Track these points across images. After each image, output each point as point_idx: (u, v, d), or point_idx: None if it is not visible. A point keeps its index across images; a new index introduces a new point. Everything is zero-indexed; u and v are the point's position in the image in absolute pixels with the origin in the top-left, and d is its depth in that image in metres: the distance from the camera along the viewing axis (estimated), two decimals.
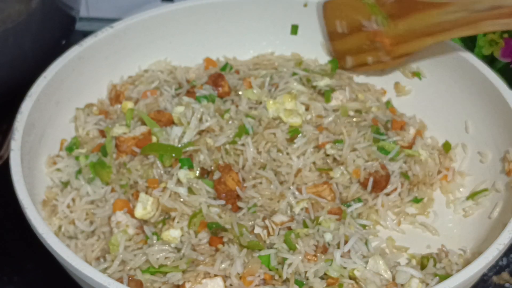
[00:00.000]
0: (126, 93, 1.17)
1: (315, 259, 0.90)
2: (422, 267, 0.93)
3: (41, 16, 1.18)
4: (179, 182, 0.99)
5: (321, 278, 0.89)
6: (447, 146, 1.13)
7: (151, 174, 1.00)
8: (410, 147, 1.10)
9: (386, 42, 1.14)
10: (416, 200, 1.07)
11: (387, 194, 1.05)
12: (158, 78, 1.19)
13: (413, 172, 1.07)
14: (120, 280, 0.87)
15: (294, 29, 1.28)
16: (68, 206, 1.00)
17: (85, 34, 1.15)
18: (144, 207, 0.96)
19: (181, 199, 0.97)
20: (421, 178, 1.08)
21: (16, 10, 1.12)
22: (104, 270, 0.90)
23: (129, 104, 1.12)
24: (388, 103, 1.21)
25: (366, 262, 0.90)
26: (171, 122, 1.08)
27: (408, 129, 1.14)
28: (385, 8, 1.12)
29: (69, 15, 1.29)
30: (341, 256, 0.91)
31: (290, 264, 0.89)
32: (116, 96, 1.16)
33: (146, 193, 0.98)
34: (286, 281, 0.89)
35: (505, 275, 1.07)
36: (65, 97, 1.11)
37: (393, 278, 0.90)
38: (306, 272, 0.89)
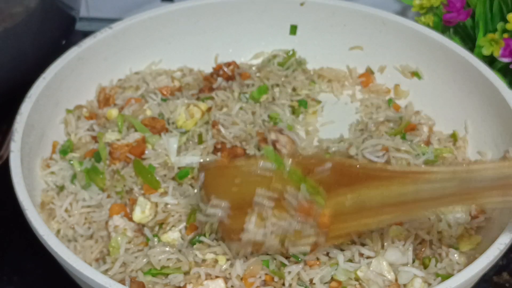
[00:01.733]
0: (115, 96, 1.16)
1: (318, 263, 0.89)
2: (424, 267, 0.93)
3: (41, 16, 1.18)
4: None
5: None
6: (454, 137, 1.13)
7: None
8: (427, 144, 1.10)
9: (323, 220, 0.80)
10: None
11: None
12: (145, 81, 1.19)
13: None
14: (122, 282, 0.86)
15: (293, 29, 1.28)
16: (66, 210, 1.00)
17: (85, 34, 1.15)
18: (143, 211, 0.96)
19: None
20: None
21: (16, 10, 1.12)
22: (105, 272, 0.90)
23: (114, 112, 1.12)
24: (390, 100, 1.21)
25: (370, 263, 0.90)
26: (165, 129, 1.08)
27: (422, 128, 1.13)
28: (316, 176, 0.81)
29: (69, 15, 1.29)
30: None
31: (289, 272, 0.88)
32: (105, 99, 1.16)
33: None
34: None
35: (505, 275, 1.07)
36: (64, 98, 1.11)
37: (396, 279, 0.90)
38: (311, 279, 0.89)
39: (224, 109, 1.14)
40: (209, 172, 0.86)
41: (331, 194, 0.80)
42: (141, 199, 0.97)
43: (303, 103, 1.18)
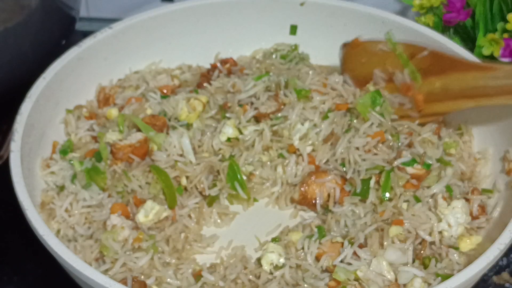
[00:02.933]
0: (115, 96, 1.16)
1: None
2: (424, 267, 0.93)
3: (41, 16, 1.18)
4: None
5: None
6: (460, 130, 1.12)
7: (157, 187, 1.01)
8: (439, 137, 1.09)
9: (419, 98, 1.06)
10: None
11: None
12: (145, 80, 1.19)
13: (460, 169, 1.06)
14: (122, 281, 0.87)
15: (293, 30, 1.28)
16: (66, 210, 1.00)
17: (85, 34, 1.15)
18: (146, 215, 0.96)
19: None
20: (468, 174, 1.06)
21: (16, 10, 1.13)
22: (105, 272, 0.90)
23: (114, 111, 1.12)
24: None
25: (370, 263, 0.90)
26: (166, 126, 1.08)
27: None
28: (416, 61, 1.06)
29: (69, 15, 1.29)
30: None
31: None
32: (105, 99, 1.16)
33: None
34: None
35: (505, 275, 1.07)
36: (64, 98, 1.11)
37: (396, 279, 0.89)
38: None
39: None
40: (346, 47, 1.16)
41: (424, 81, 1.04)
42: (149, 203, 0.97)
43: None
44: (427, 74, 1.04)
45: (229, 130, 1.06)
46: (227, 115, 1.08)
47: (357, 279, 0.88)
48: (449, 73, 1.01)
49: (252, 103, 1.09)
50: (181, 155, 1.04)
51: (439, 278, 0.89)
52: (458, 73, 1.00)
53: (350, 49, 1.15)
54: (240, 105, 1.08)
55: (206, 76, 1.20)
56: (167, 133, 1.07)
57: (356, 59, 1.14)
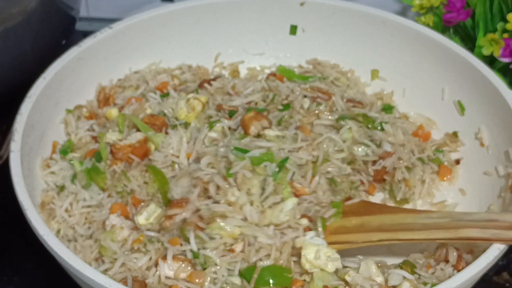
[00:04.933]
0: (115, 96, 1.17)
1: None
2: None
3: (41, 16, 1.18)
4: None
5: None
6: (455, 136, 1.14)
7: (155, 187, 1.00)
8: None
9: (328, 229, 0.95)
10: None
11: None
12: (145, 80, 1.19)
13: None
14: (123, 281, 0.87)
15: (293, 30, 1.28)
16: (66, 210, 1.00)
17: (85, 34, 1.15)
18: (147, 218, 0.96)
19: None
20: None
21: (16, 10, 1.13)
22: (105, 272, 0.90)
23: (114, 111, 1.12)
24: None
25: (358, 266, 0.90)
26: (165, 126, 1.08)
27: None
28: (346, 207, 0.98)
29: (69, 15, 1.29)
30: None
31: None
32: (105, 99, 1.16)
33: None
34: None
35: (505, 275, 1.07)
36: (64, 98, 1.11)
37: (386, 281, 0.89)
38: None
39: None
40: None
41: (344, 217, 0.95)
42: (152, 206, 0.97)
43: None
44: (349, 214, 0.96)
45: (214, 135, 1.05)
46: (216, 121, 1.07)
47: (342, 279, 0.88)
48: (373, 214, 0.94)
49: (245, 109, 1.09)
50: (178, 157, 1.04)
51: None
52: (385, 214, 0.93)
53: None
54: (231, 111, 1.08)
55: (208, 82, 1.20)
56: (166, 133, 1.07)
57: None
